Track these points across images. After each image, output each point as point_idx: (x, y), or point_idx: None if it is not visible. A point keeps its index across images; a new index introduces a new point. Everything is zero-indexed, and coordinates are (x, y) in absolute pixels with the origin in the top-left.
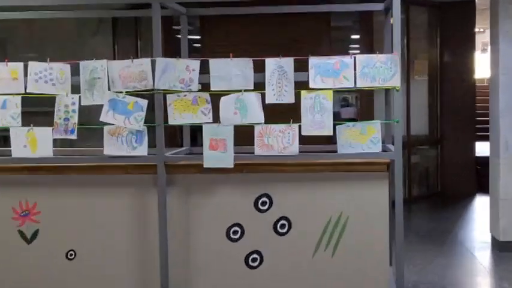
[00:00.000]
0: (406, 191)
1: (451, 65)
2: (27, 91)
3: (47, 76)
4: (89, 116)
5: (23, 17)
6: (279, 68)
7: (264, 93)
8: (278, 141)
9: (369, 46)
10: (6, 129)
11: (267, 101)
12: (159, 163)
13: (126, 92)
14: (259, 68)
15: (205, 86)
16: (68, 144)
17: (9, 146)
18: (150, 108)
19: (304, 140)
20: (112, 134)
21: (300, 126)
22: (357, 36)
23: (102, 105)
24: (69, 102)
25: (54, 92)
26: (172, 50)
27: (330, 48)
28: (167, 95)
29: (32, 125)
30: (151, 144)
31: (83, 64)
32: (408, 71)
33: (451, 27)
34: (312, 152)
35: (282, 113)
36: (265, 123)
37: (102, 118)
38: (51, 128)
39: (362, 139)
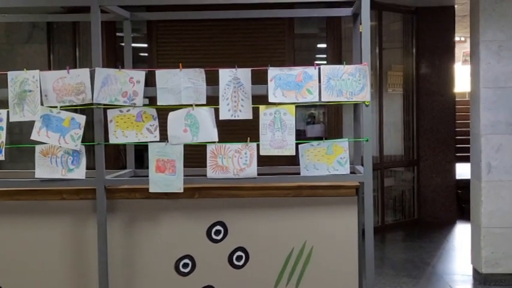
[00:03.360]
0: (379, 217)
1: (429, 77)
2: None
3: None
4: (21, 135)
5: None
6: (234, 80)
7: (218, 108)
8: (234, 162)
9: (338, 56)
10: None
11: (221, 117)
12: (99, 187)
13: (61, 106)
14: (213, 79)
15: (151, 100)
16: None
17: None
18: (89, 125)
19: (263, 160)
20: (45, 154)
21: (258, 146)
22: (324, 45)
23: (33, 122)
24: None
25: None
26: (115, 59)
27: (294, 58)
28: (108, 110)
29: None
30: (90, 166)
31: (11, 75)
32: (381, 83)
33: (429, 35)
34: (272, 174)
35: (238, 131)
36: (219, 141)
37: (34, 136)
38: None
39: (328, 160)
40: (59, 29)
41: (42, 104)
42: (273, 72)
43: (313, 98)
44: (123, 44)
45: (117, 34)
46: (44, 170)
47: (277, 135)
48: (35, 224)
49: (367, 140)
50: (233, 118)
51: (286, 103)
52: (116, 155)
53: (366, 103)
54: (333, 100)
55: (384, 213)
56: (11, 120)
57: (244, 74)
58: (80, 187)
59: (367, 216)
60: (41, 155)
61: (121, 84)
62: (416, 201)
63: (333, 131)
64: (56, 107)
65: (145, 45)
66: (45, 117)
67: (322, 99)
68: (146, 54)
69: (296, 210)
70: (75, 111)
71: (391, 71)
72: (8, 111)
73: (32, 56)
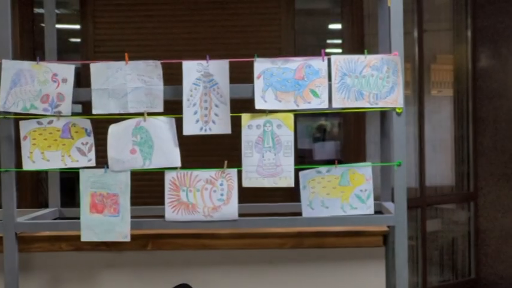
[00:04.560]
0: (419, 277)
1: (491, 72)
2: None
3: None
4: None
5: None
6: (205, 77)
7: (181, 119)
8: (204, 197)
9: (357, 42)
10: None
11: (186, 132)
12: (7, 234)
13: None
14: (174, 77)
15: (85, 107)
16: None
17: None
18: None
19: (247, 195)
20: None
21: (240, 173)
22: (338, 26)
23: None
24: None
25: None
26: (32, 47)
27: (294, 45)
28: (21, 122)
29: None
30: None
31: None
32: (421, 82)
33: (491, 12)
34: (261, 215)
35: (211, 152)
36: (182, 167)
37: None
38: None
39: (343, 193)
40: None
41: None
42: (261, 65)
43: (320, 103)
44: (43, 24)
45: (36, 11)
46: None
47: (268, 157)
48: None
49: (399, 164)
50: (203, 133)
51: (281, 110)
52: (34, 187)
53: (398, 110)
54: (350, 106)
55: (426, 272)
56: None
57: (219, 68)
58: None
59: (400, 277)
60: None
61: (40, 84)
62: (473, 254)
63: (351, 152)
64: None
65: (77, 26)
66: None
67: (333, 105)
68: (78, 40)
69: (294, 268)
70: None
71: (435, 63)
72: None
73: None
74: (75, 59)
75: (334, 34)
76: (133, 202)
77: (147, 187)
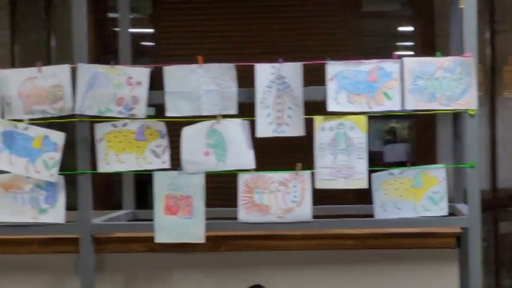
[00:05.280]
0: (493, 279)
1: None
2: None
3: None
4: None
5: None
6: (278, 80)
7: (254, 121)
8: (277, 199)
9: (428, 44)
10: None
11: (260, 134)
12: (83, 236)
13: (30, 119)
14: (247, 79)
15: (158, 110)
16: None
17: None
18: (69, 146)
19: (318, 196)
20: (7, 188)
21: (313, 175)
22: (408, 29)
23: None
24: None
25: None
26: (105, 51)
27: (360, 48)
28: (96, 125)
29: None
30: (71, 206)
31: None
32: (493, 83)
33: None
34: (332, 217)
35: (284, 154)
36: (256, 169)
37: None
38: None
39: (415, 195)
40: (27, 8)
41: (3, 117)
42: (334, 67)
43: (392, 105)
44: (117, 29)
45: (109, 15)
46: (5, 210)
47: (341, 159)
48: None
49: (472, 166)
50: (276, 135)
51: (354, 113)
52: (108, 190)
53: (471, 112)
54: (423, 108)
55: (499, 274)
56: None
57: (292, 71)
58: (56, 235)
59: (474, 279)
60: (1, 190)
61: (115, 87)
62: None
63: (422, 154)
64: (23, 120)
65: (150, 30)
66: (7, 135)
67: (406, 107)
68: (151, 44)
69: (366, 270)
70: (50, 126)
71: (507, 65)
72: None
73: None
74: (148, 63)
75: (404, 36)
76: (207, 204)
77: (220, 189)
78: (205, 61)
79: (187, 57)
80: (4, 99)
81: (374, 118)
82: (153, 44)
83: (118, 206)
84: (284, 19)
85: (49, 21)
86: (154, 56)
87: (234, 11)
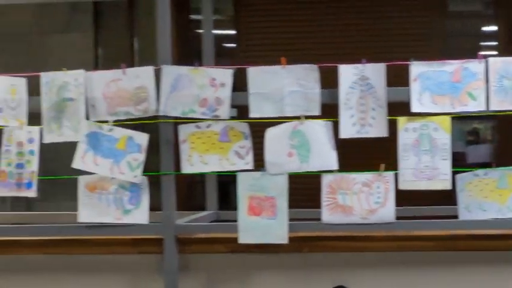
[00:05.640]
0: None
1: None
2: None
3: None
4: (57, 162)
5: None
6: (362, 81)
7: (337, 122)
8: (361, 200)
9: None
10: None
11: (343, 135)
12: (168, 237)
13: (115, 121)
14: (330, 80)
15: (241, 111)
16: (23, 206)
17: None
18: (153, 148)
19: (400, 197)
20: (92, 189)
21: (396, 175)
22: (493, 28)
23: (75, 144)
24: (24, 139)
25: (0, 123)
26: (188, 53)
27: (444, 49)
28: (180, 126)
29: None
30: (154, 207)
31: (46, 77)
32: None
33: None
34: (417, 218)
35: (367, 155)
36: (339, 170)
37: (77, 164)
38: None
39: (500, 196)
40: (110, 11)
41: (88, 118)
42: (417, 68)
43: (477, 105)
44: (200, 30)
45: (191, 17)
46: (90, 211)
47: (425, 160)
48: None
49: None
50: (360, 136)
51: (438, 113)
52: (190, 191)
53: None
54: (508, 109)
55: None
56: (44, 140)
57: (375, 72)
58: (140, 236)
59: None
60: (86, 191)
61: (198, 88)
62: None
63: (506, 155)
64: (107, 121)
65: (232, 31)
66: (92, 137)
67: (490, 108)
68: (233, 45)
69: (448, 272)
70: (134, 127)
71: None
72: (40, 129)
73: (73, 49)
74: (229, 64)
75: (487, 36)
76: (290, 204)
77: (303, 190)
78: (289, 62)
79: (270, 58)
80: (89, 101)
81: (456, 119)
82: (235, 45)
83: (200, 207)
84: (368, 20)
85: (132, 24)
86: (236, 57)
87: (318, 12)
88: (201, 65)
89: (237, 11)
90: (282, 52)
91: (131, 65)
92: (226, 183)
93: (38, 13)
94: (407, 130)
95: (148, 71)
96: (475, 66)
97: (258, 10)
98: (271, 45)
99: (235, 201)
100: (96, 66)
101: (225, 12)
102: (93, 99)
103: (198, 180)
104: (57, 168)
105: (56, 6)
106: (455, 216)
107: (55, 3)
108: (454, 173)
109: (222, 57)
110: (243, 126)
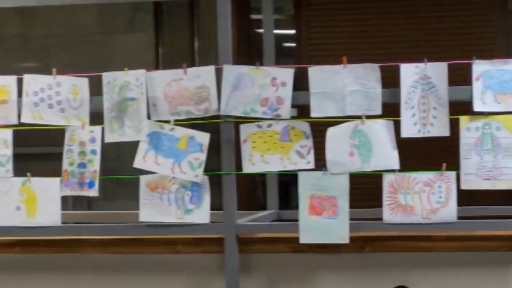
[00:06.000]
0: None
1: None
2: (21, 121)
3: (53, 97)
4: (118, 161)
5: (14, 4)
6: (423, 80)
7: (399, 121)
8: (422, 200)
9: None
10: None
11: (404, 134)
12: (229, 236)
13: (176, 120)
14: (391, 80)
15: (301, 111)
16: (85, 205)
17: None
18: (214, 147)
19: (461, 197)
20: (153, 188)
21: (458, 175)
22: None
23: (137, 143)
24: (86, 138)
25: (62, 122)
26: (248, 52)
27: (510, 48)
28: (241, 126)
29: (29, 174)
30: (215, 206)
31: (107, 77)
32: None
33: None
34: (479, 218)
35: (427, 154)
36: (400, 170)
37: (138, 163)
38: (58, 180)
39: None
40: (171, 11)
41: (149, 118)
42: (480, 67)
43: None
44: (260, 30)
45: (252, 17)
46: (151, 210)
47: (487, 159)
48: (139, 285)
49: None
50: (421, 135)
51: (501, 112)
52: (251, 190)
53: None
54: None
55: None
56: (106, 140)
57: (437, 71)
58: (201, 235)
59: None
60: (148, 190)
61: (259, 88)
62: None
63: None
64: (169, 121)
65: (292, 31)
66: (153, 136)
67: None
68: (293, 45)
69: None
70: (194, 126)
71: None
72: (102, 128)
73: (134, 49)
74: (289, 63)
75: None
76: (351, 204)
77: (363, 189)
78: (351, 61)
79: (331, 58)
80: (150, 100)
81: None
82: (294, 44)
83: (259, 207)
84: (430, 18)
85: (192, 24)
86: (295, 57)
87: (378, 10)
88: (261, 64)
89: (297, 10)
90: (342, 51)
91: (192, 64)
92: (286, 182)
93: (101, 13)
94: (469, 129)
95: (209, 70)
96: None
97: (319, 9)
98: (331, 44)
99: (294, 200)
100: (157, 66)
101: (285, 12)
102: (154, 99)
103: (257, 180)
104: (119, 167)
105: (118, 7)
106: None
107: (117, 4)
108: None
109: (281, 57)
110: (304, 126)
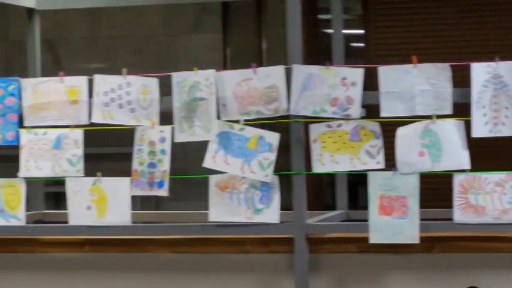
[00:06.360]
0: None
1: None
2: (92, 121)
3: (123, 97)
4: (186, 161)
5: (82, 6)
6: (494, 79)
7: (469, 121)
8: (493, 200)
9: None
10: (61, 182)
11: (475, 134)
12: (298, 236)
13: (246, 120)
14: (461, 79)
15: (370, 110)
16: (153, 205)
17: (64, 208)
18: (282, 147)
19: None
20: (223, 188)
21: None
22: None
23: (207, 143)
24: (156, 138)
25: (132, 122)
26: (316, 52)
27: None
28: (311, 125)
29: (99, 174)
30: (285, 206)
31: (177, 77)
32: None
33: None
34: None
35: (497, 154)
36: (471, 170)
37: (208, 163)
38: (128, 179)
39: None
40: (238, 11)
41: (218, 118)
42: None
43: None
44: (328, 30)
45: (318, 17)
46: (221, 210)
47: None
48: (209, 285)
49: None
50: (493, 135)
51: None
52: (319, 190)
53: None
54: None
55: None
56: (176, 140)
57: (509, 70)
58: (271, 235)
59: None
60: (217, 190)
61: (329, 87)
62: None
63: None
64: (239, 121)
65: (361, 31)
66: (223, 136)
67: None
68: (361, 45)
69: None
70: (264, 126)
71: None
72: (172, 128)
73: (202, 50)
74: (357, 63)
75: None
76: (421, 204)
77: (433, 189)
78: (421, 60)
79: (398, 58)
80: (219, 100)
81: None
82: (363, 44)
83: (328, 207)
84: (500, 17)
85: (260, 24)
86: (363, 57)
87: (448, 10)
88: (331, 64)
89: (366, 10)
90: (411, 51)
91: (259, 64)
92: (354, 182)
93: (168, 14)
94: None
95: (279, 70)
96: None
97: (387, 9)
98: (399, 44)
99: (363, 200)
100: (224, 66)
101: (353, 12)
102: (224, 99)
103: (325, 180)
104: (187, 167)
105: (185, 8)
106: None
107: (185, 4)
108: None
109: (349, 57)
110: (373, 126)
